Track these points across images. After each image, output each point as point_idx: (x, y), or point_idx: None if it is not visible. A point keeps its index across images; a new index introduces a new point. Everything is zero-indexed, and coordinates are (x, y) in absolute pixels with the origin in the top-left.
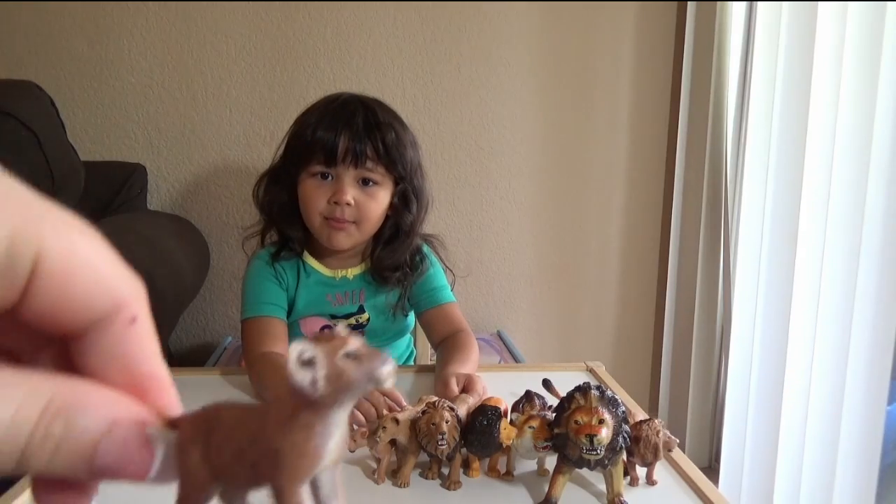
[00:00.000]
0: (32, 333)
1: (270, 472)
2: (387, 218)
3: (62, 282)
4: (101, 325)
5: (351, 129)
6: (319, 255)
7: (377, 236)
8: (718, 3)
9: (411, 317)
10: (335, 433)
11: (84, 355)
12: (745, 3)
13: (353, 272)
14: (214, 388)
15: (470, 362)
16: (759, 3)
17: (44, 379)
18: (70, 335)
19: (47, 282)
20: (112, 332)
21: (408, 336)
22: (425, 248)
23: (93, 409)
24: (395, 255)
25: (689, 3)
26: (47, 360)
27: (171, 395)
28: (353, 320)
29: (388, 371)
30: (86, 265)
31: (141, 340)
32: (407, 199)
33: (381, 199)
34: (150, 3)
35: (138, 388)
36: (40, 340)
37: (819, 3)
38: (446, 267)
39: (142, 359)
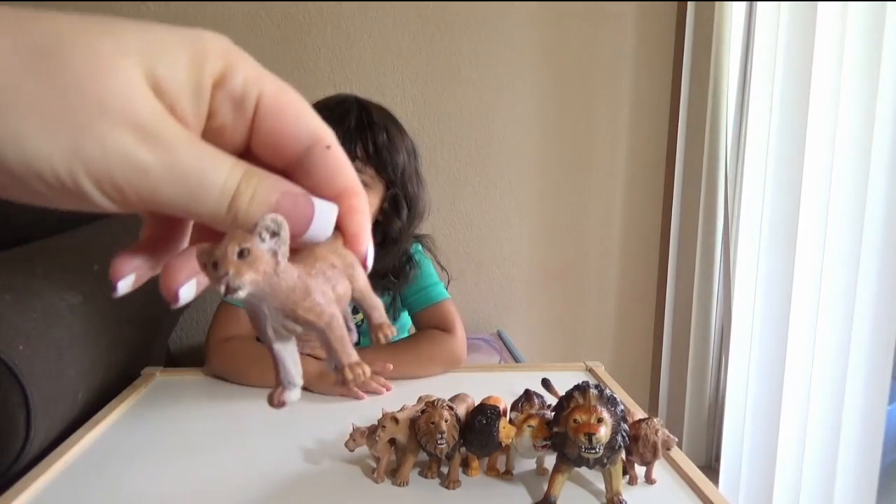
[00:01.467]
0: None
1: None
2: (377, 223)
3: (276, 117)
4: (307, 153)
5: (342, 128)
6: None
7: None
8: (717, 2)
9: (408, 318)
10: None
11: (299, 181)
12: (744, 2)
13: None
14: (214, 388)
15: (399, 353)
16: (758, 2)
17: (243, 160)
18: (289, 164)
19: (265, 117)
20: (314, 156)
21: (406, 335)
22: (417, 248)
23: (274, 178)
24: (383, 261)
25: (688, 3)
26: None
27: (360, 200)
28: None
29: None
30: (291, 105)
31: (336, 161)
32: (397, 205)
33: (370, 201)
34: (150, 3)
35: (335, 197)
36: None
37: (819, 2)
38: (441, 267)
39: (337, 173)
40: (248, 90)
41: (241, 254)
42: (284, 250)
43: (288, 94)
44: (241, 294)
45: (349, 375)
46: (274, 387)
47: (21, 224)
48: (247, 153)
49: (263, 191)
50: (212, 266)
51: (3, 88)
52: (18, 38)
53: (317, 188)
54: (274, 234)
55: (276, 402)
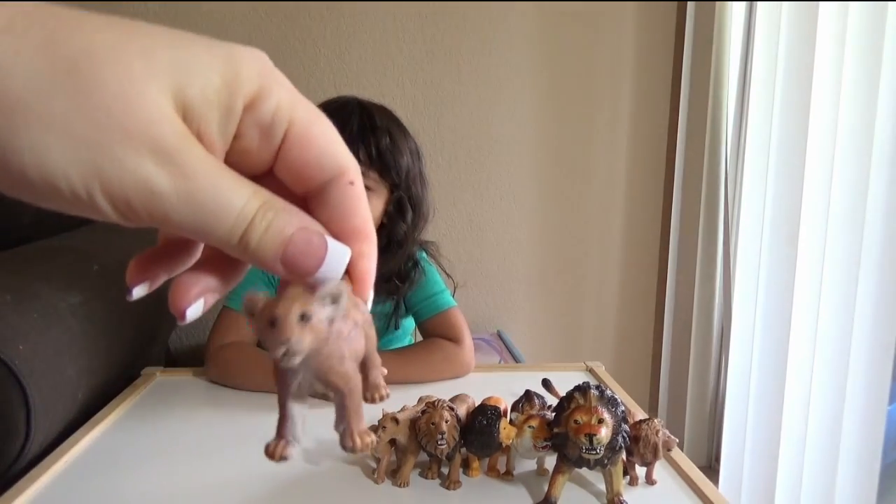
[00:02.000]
0: (287, 194)
1: None
2: (382, 226)
3: (303, 148)
4: (329, 185)
5: (344, 133)
6: None
7: None
8: (717, 2)
9: (411, 319)
10: None
11: (315, 210)
12: (745, 2)
13: None
14: (214, 388)
15: (407, 359)
16: (759, 2)
17: (262, 188)
18: (309, 192)
19: (293, 147)
20: (335, 190)
21: (409, 339)
22: (422, 255)
23: (292, 212)
24: (388, 264)
25: (688, 3)
26: None
27: (369, 246)
28: None
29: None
30: (320, 137)
31: (355, 199)
32: (402, 207)
33: (373, 206)
34: (150, 3)
35: (347, 237)
36: (292, 200)
37: (819, 2)
38: (447, 274)
39: (353, 214)
40: (278, 117)
41: (303, 317)
42: (340, 317)
43: (319, 125)
44: (297, 361)
45: (357, 443)
46: (276, 439)
47: (22, 224)
48: (269, 173)
49: (279, 224)
50: (267, 323)
51: (30, 102)
52: (53, 52)
53: (331, 223)
54: (334, 301)
55: (277, 455)
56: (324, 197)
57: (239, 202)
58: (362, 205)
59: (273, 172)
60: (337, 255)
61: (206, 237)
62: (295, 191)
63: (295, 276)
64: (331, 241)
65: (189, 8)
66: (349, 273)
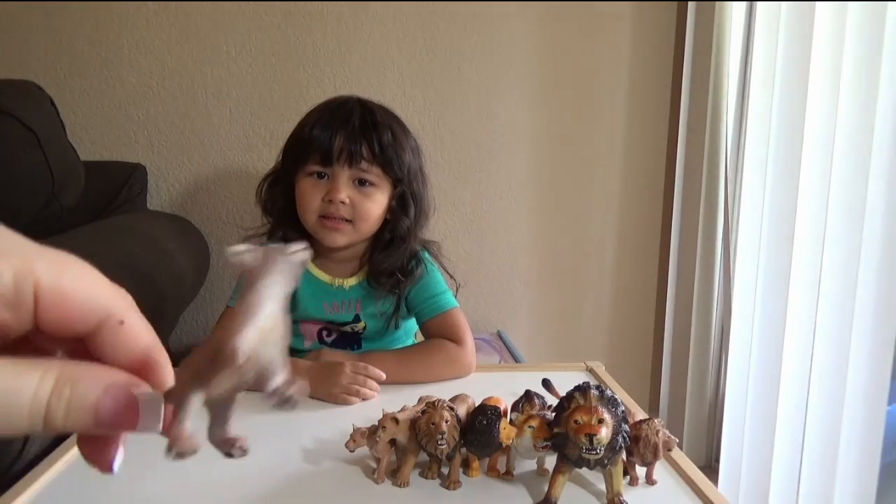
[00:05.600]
0: (56, 339)
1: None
2: (386, 222)
3: (59, 305)
4: (100, 328)
5: (346, 129)
6: (319, 259)
7: (376, 240)
8: (717, 2)
9: (413, 320)
10: (266, 301)
11: (94, 349)
12: (744, 2)
13: (349, 282)
14: None
15: (408, 359)
16: (758, 2)
17: (53, 362)
18: (80, 337)
19: (48, 307)
20: (107, 332)
21: (411, 340)
22: (425, 255)
23: (90, 378)
24: (391, 259)
25: (688, 3)
26: (67, 353)
27: (165, 371)
28: (349, 328)
29: (298, 252)
30: (74, 288)
31: (131, 335)
32: (405, 202)
33: (377, 200)
34: (150, 2)
35: (138, 368)
36: (61, 342)
37: (818, 2)
38: (449, 274)
39: (135, 347)
40: (20, 286)
41: None
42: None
43: (69, 274)
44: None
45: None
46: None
47: (20, 224)
48: (35, 330)
49: (79, 398)
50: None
51: None
52: None
53: (115, 362)
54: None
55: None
56: (100, 339)
57: (28, 390)
58: (141, 328)
59: (38, 329)
60: (151, 405)
61: (12, 431)
62: (65, 339)
63: (119, 431)
64: (141, 394)
65: (189, 8)
66: (153, 386)
